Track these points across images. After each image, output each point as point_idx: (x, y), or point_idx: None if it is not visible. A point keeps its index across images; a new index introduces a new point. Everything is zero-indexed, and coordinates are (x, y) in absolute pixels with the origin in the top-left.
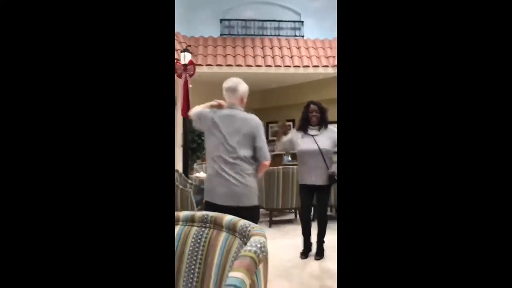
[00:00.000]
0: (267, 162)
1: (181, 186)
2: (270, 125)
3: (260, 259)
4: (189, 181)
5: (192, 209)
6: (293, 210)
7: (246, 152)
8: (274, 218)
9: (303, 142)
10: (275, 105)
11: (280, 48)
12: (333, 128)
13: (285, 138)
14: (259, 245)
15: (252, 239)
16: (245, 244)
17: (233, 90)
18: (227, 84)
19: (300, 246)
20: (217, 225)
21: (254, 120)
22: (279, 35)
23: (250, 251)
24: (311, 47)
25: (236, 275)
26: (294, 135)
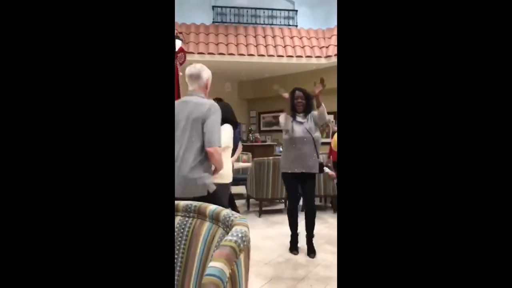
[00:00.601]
0: (211, 149)
1: None
2: (262, 115)
3: (241, 248)
4: None
5: None
6: (282, 200)
7: (192, 141)
8: (263, 208)
9: (295, 129)
10: (268, 95)
11: (274, 37)
12: (313, 112)
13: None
14: (240, 235)
15: (234, 228)
16: (228, 233)
17: (196, 77)
18: (190, 71)
19: (289, 237)
20: (200, 214)
21: (207, 105)
22: (272, 24)
23: (230, 240)
24: (305, 36)
25: (215, 264)
26: (287, 119)
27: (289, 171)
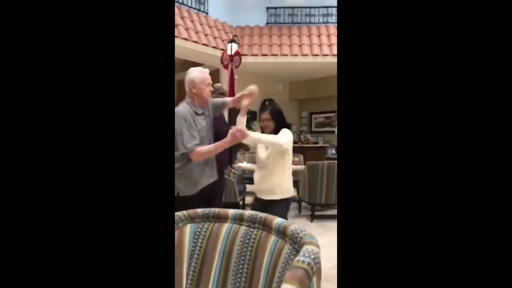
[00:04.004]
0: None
1: (225, 176)
2: (313, 115)
3: (314, 271)
4: (233, 170)
5: (235, 198)
6: (336, 206)
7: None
8: (316, 213)
9: None
10: (320, 95)
11: (328, 36)
12: None
13: None
14: (312, 256)
15: (304, 248)
16: (296, 251)
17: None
18: None
19: None
20: (266, 226)
21: (176, 111)
22: (327, 22)
23: (303, 262)
24: None
25: (289, 287)
26: None
27: None
